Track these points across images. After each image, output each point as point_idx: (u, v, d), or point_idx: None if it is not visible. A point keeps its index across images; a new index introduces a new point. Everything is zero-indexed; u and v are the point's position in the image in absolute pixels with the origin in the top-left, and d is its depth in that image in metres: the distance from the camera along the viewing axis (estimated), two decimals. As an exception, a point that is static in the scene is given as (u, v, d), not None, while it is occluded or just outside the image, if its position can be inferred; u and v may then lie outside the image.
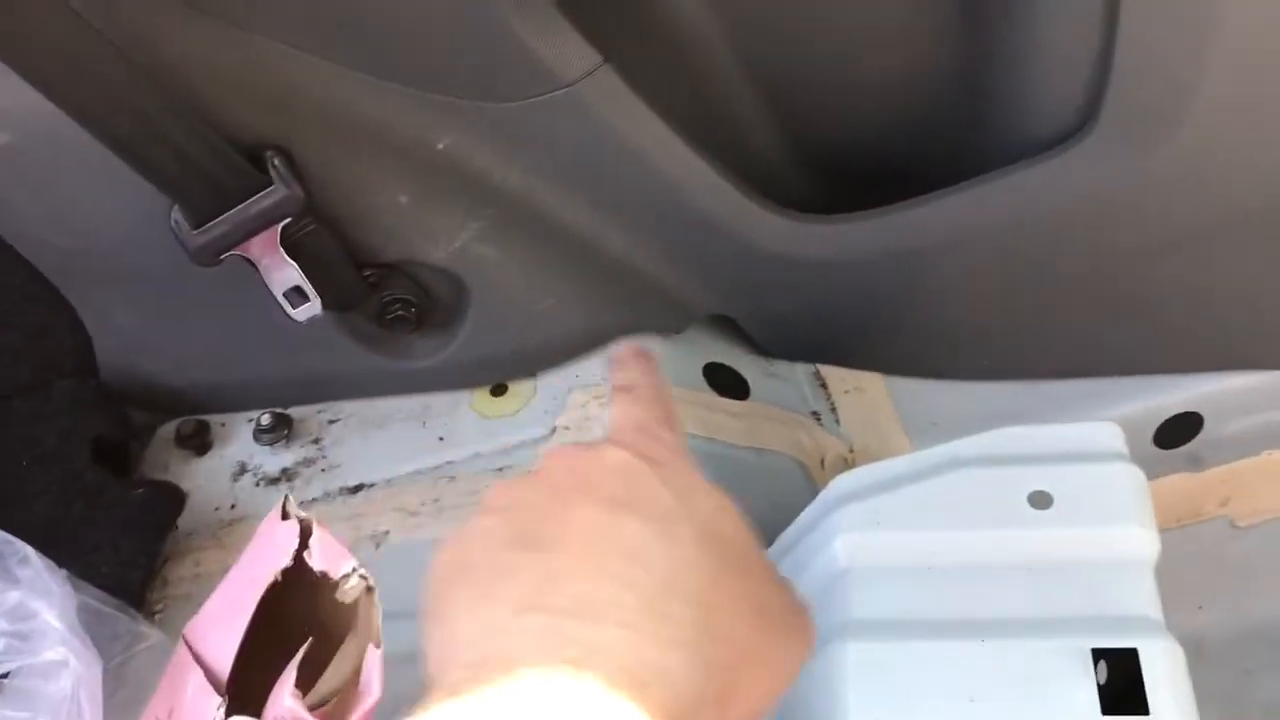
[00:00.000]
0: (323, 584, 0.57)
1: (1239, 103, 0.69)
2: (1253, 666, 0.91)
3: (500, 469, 0.79)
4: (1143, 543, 0.62)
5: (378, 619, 0.56)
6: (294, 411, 0.85)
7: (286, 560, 0.58)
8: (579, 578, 0.40)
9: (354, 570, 0.56)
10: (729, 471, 0.80)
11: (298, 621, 0.59)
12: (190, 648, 0.63)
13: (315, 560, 0.57)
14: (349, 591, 0.56)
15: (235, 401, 0.86)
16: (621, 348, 0.57)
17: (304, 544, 0.58)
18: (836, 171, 0.88)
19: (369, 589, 0.56)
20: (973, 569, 0.62)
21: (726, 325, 0.90)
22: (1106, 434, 0.67)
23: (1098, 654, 0.57)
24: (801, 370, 0.91)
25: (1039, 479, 0.64)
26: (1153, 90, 0.70)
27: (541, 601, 0.39)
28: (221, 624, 0.62)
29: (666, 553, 0.41)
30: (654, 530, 0.42)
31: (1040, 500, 0.63)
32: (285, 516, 0.60)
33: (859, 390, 0.91)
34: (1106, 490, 0.63)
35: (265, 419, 0.83)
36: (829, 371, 0.91)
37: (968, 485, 0.65)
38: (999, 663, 0.58)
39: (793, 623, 0.46)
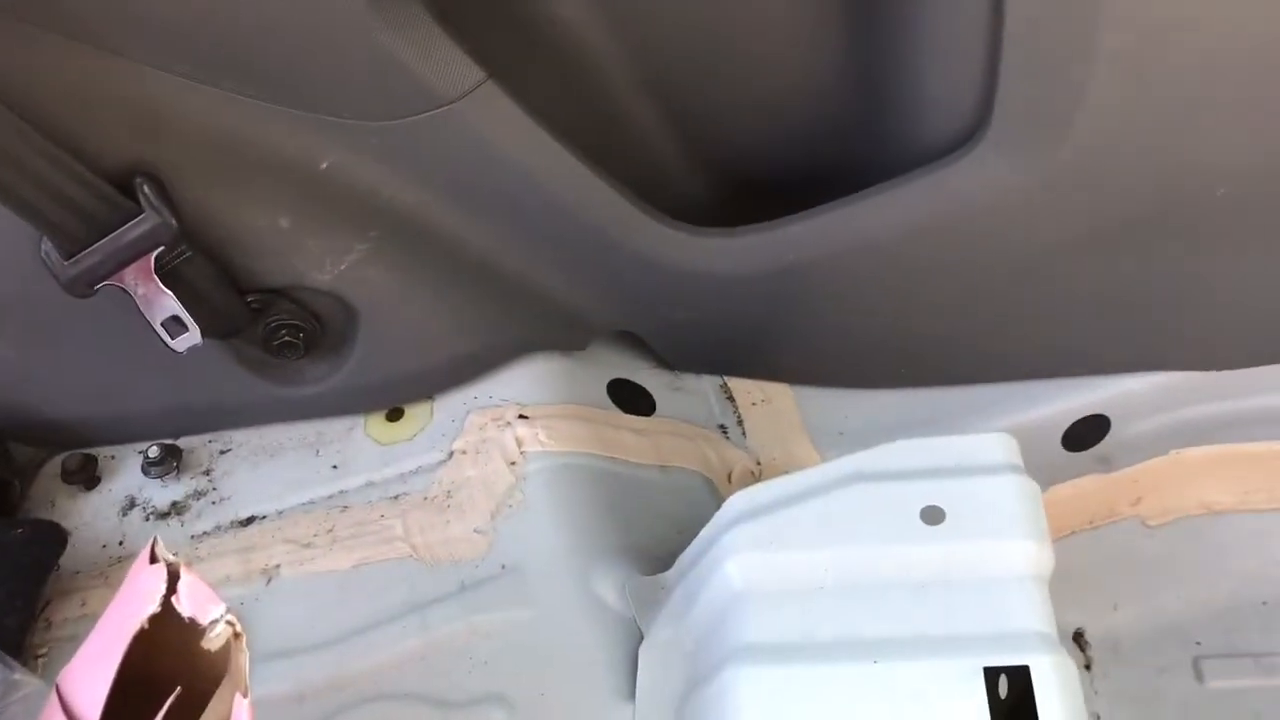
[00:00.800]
0: (193, 630, 0.55)
1: (1128, 106, 0.69)
2: (1167, 664, 0.92)
3: (395, 497, 0.77)
4: (1035, 557, 0.62)
5: (245, 666, 0.54)
6: (184, 442, 0.82)
7: (154, 606, 0.56)
8: None
9: (221, 616, 0.54)
10: (632, 491, 0.78)
11: (170, 668, 0.56)
12: (61, 697, 0.60)
13: (183, 606, 0.55)
14: (215, 639, 0.54)
15: (123, 433, 0.83)
16: None
17: (172, 588, 0.56)
18: (741, 181, 0.87)
19: (236, 635, 0.54)
20: (866, 588, 0.62)
21: (631, 340, 0.88)
22: (1000, 445, 0.66)
23: (990, 672, 0.57)
24: (709, 383, 0.90)
25: (932, 493, 0.63)
26: (1040, 96, 0.70)
27: None
28: (91, 672, 0.59)
29: None
30: None
31: (932, 515, 0.63)
32: (154, 559, 0.58)
33: (766, 402, 0.90)
34: (999, 503, 0.63)
35: (154, 451, 0.80)
36: (736, 384, 0.90)
37: (861, 501, 0.64)
38: (891, 684, 0.58)
39: None
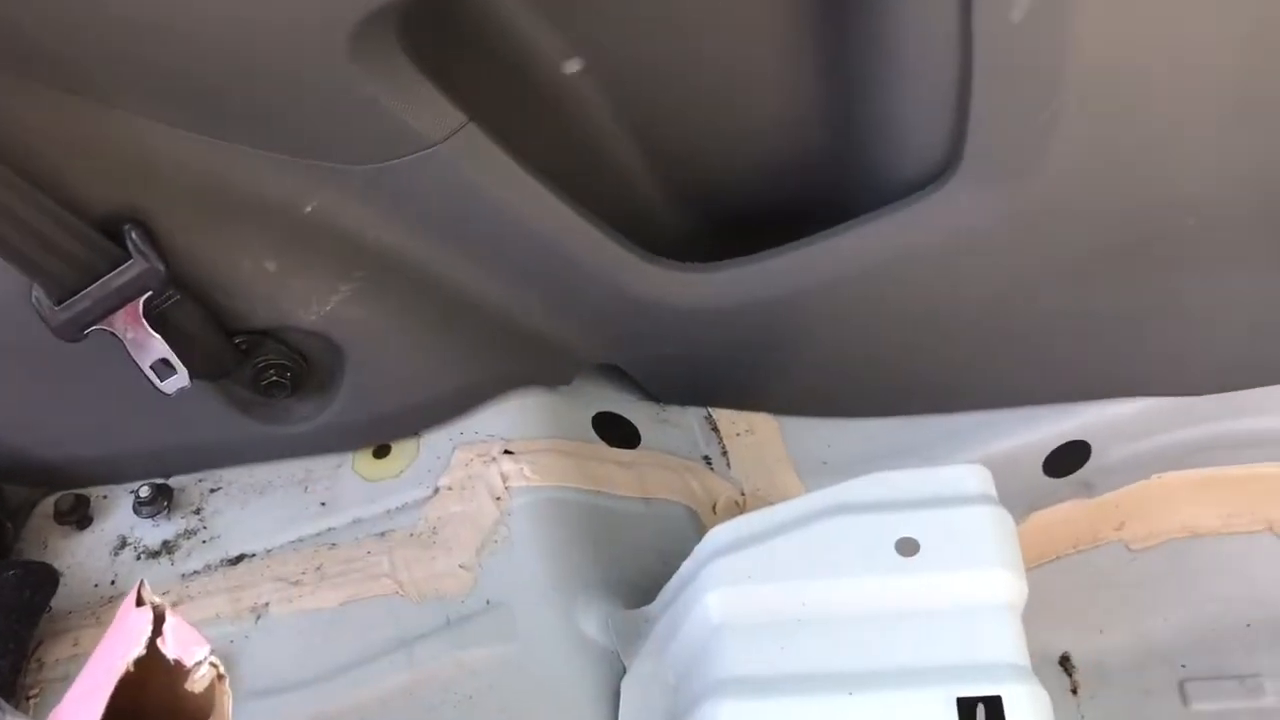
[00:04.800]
0: (178, 672, 0.56)
1: (1095, 141, 0.71)
2: (1152, 687, 0.92)
3: (382, 533, 0.78)
4: (1008, 586, 0.63)
5: (229, 708, 0.55)
6: (175, 481, 0.83)
7: (139, 649, 0.57)
8: None
9: (205, 658, 0.55)
10: (617, 524, 0.79)
11: (157, 709, 0.57)
12: (50, 738, 0.61)
13: (169, 648, 0.56)
14: (199, 681, 0.55)
15: (114, 473, 0.84)
16: None
17: (157, 630, 0.57)
18: (722, 216, 0.88)
19: (220, 676, 0.55)
20: (843, 620, 0.62)
21: (616, 373, 0.90)
22: (974, 476, 0.67)
23: (964, 702, 0.58)
24: (693, 414, 0.91)
25: (907, 525, 0.64)
26: (1009, 132, 0.71)
27: None
28: (78, 713, 0.60)
29: None
30: None
31: (907, 547, 0.64)
32: (140, 601, 0.59)
33: (750, 432, 0.91)
34: (972, 534, 0.64)
35: (144, 491, 0.81)
36: (721, 415, 0.91)
37: (837, 533, 0.65)
38: (866, 716, 0.58)
39: None
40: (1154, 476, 0.94)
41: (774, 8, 0.74)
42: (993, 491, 0.67)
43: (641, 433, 0.87)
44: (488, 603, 0.73)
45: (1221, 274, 0.80)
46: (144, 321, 0.71)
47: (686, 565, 0.69)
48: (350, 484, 0.81)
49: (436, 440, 0.82)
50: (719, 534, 0.68)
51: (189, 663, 0.55)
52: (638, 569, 0.77)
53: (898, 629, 0.61)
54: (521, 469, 0.78)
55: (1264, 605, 0.96)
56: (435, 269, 0.77)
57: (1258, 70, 0.68)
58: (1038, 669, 0.61)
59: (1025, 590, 0.63)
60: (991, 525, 0.64)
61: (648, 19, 0.74)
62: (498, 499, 0.77)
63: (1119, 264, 0.79)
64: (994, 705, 0.57)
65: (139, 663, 0.57)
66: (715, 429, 0.90)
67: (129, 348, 0.72)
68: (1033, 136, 0.71)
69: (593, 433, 0.85)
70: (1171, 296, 0.81)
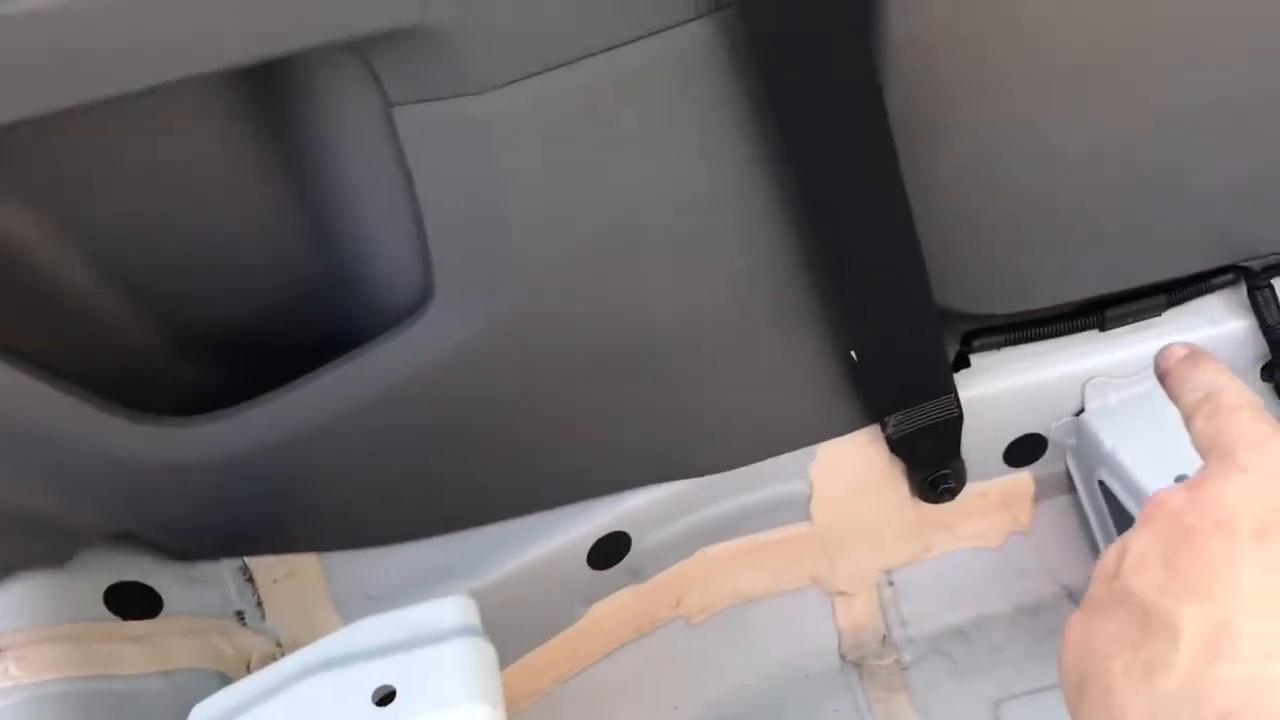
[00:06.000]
0: None
1: (550, 267, 0.74)
2: (729, 758, 0.96)
3: None
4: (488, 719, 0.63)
5: None
6: None
7: None
8: (1253, 618, 0.37)
9: None
10: (129, 709, 0.74)
11: None
12: None
13: None
14: None
15: None
16: (1173, 353, 0.48)
17: None
18: (235, 362, 0.85)
19: None
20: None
21: (135, 537, 0.85)
22: (456, 609, 0.67)
23: None
24: (227, 567, 0.88)
25: (385, 672, 0.64)
26: (470, 260, 0.73)
27: (1222, 655, 0.37)
28: None
29: None
30: None
31: (384, 696, 0.63)
32: None
33: (291, 576, 0.88)
34: (449, 671, 0.64)
35: None
36: (258, 562, 0.88)
37: (319, 692, 0.64)
38: None
39: None
40: (698, 552, 0.98)
41: (233, 157, 0.73)
42: (475, 621, 0.67)
43: (164, 598, 0.83)
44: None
45: (705, 372, 0.85)
46: None
47: (171, 750, 0.66)
48: None
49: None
50: (200, 711, 0.65)
51: None
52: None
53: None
54: (7, 667, 0.72)
55: (819, 654, 1.03)
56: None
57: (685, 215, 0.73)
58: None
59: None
60: (468, 659, 0.64)
61: (117, 177, 0.72)
62: (-21, 706, 0.71)
63: (612, 366, 0.83)
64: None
65: None
66: (250, 579, 0.87)
67: None
68: (487, 264, 0.73)
69: (104, 609, 0.80)
70: (665, 392, 0.86)
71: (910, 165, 0.76)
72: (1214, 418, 0.43)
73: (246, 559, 0.88)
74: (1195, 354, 0.48)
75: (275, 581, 0.87)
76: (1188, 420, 0.45)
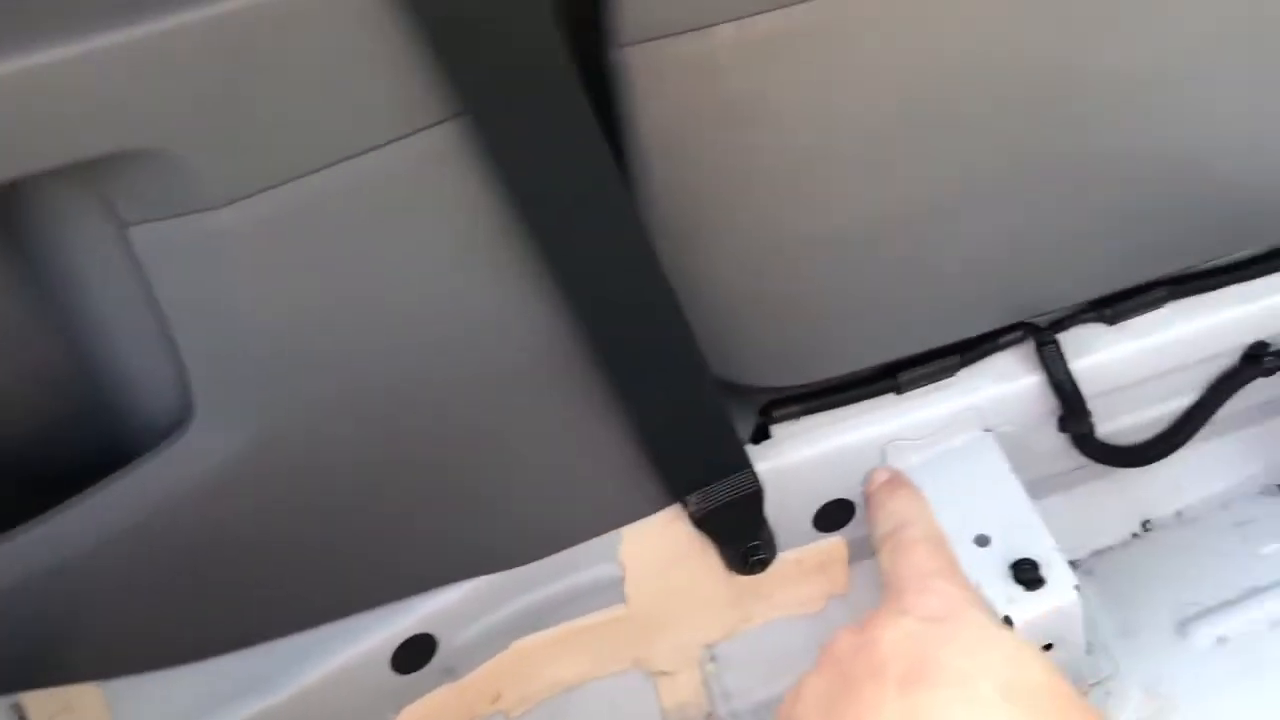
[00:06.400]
0: None
1: (314, 381, 0.72)
2: None
3: None
4: None
5: None
6: None
7: None
8: None
9: None
10: None
11: None
12: None
13: None
14: None
15: None
16: (875, 478, 0.47)
17: None
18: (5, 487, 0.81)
19: None
20: None
21: (-108, 683, 0.79)
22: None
23: None
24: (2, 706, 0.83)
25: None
26: (224, 379, 0.71)
27: None
28: None
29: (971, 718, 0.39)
30: (952, 697, 0.39)
31: None
32: None
33: (69, 710, 0.83)
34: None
35: None
36: (33, 698, 0.83)
37: None
38: None
39: None
40: (513, 644, 0.96)
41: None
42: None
43: (-79, 748, 0.78)
44: None
45: (503, 461, 0.84)
46: None
47: None
48: None
49: None
50: None
51: None
52: None
53: None
54: None
55: (643, 735, 1.01)
56: None
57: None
58: None
59: None
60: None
61: None
62: None
63: (397, 470, 0.81)
64: None
65: None
66: (23, 717, 0.82)
67: None
68: (249, 377, 0.71)
69: None
70: (460, 487, 0.84)
71: (682, 251, 0.76)
72: (894, 552, 0.45)
73: (21, 696, 0.83)
74: (893, 481, 0.50)
75: (51, 718, 0.82)
76: (877, 551, 0.46)
